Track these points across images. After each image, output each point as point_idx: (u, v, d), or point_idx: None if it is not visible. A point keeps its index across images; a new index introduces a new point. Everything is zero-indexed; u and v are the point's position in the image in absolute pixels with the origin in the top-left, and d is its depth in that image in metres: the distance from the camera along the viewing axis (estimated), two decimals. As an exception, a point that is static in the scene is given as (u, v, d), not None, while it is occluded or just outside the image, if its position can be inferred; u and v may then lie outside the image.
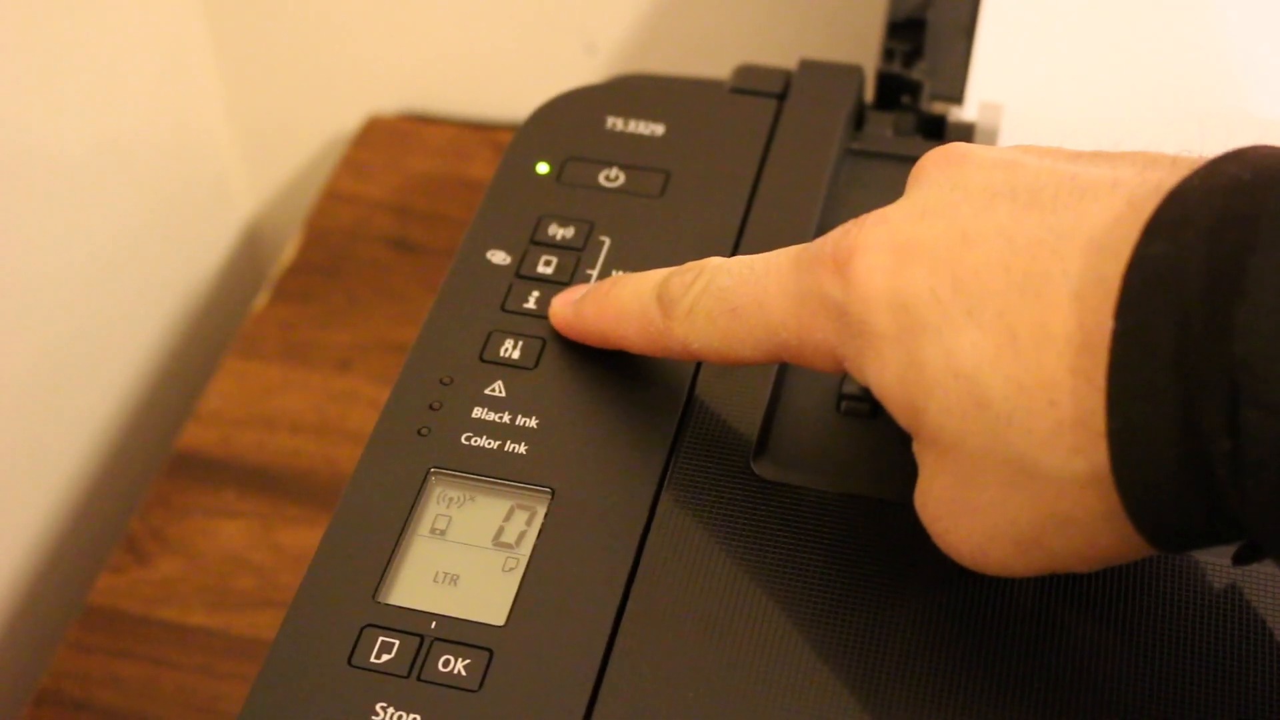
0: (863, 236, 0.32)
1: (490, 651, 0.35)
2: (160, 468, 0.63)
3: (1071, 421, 0.29)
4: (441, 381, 0.40)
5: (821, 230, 0.40)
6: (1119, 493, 0.29)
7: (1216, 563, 0.35)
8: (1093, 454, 0.29)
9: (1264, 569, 0.35)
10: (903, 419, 0.32)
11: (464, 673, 0.34)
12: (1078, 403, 0.29)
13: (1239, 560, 0.31)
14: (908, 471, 0.38)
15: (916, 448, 0.33)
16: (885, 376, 0.32)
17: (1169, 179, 0.29)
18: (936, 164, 0.33)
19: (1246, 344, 0.26)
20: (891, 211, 0.33)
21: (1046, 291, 0.29)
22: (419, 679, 0.34)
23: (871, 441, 0.39)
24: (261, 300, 0.69)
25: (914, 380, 0.31)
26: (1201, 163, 0.29)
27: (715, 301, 0.35)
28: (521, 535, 0.37)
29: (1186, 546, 0.30)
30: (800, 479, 0.37)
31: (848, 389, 0.40)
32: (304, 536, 0.60)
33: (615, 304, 0.39)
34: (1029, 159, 0.32)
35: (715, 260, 0.37)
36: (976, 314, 0.30)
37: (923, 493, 0.33)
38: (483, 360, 0.41)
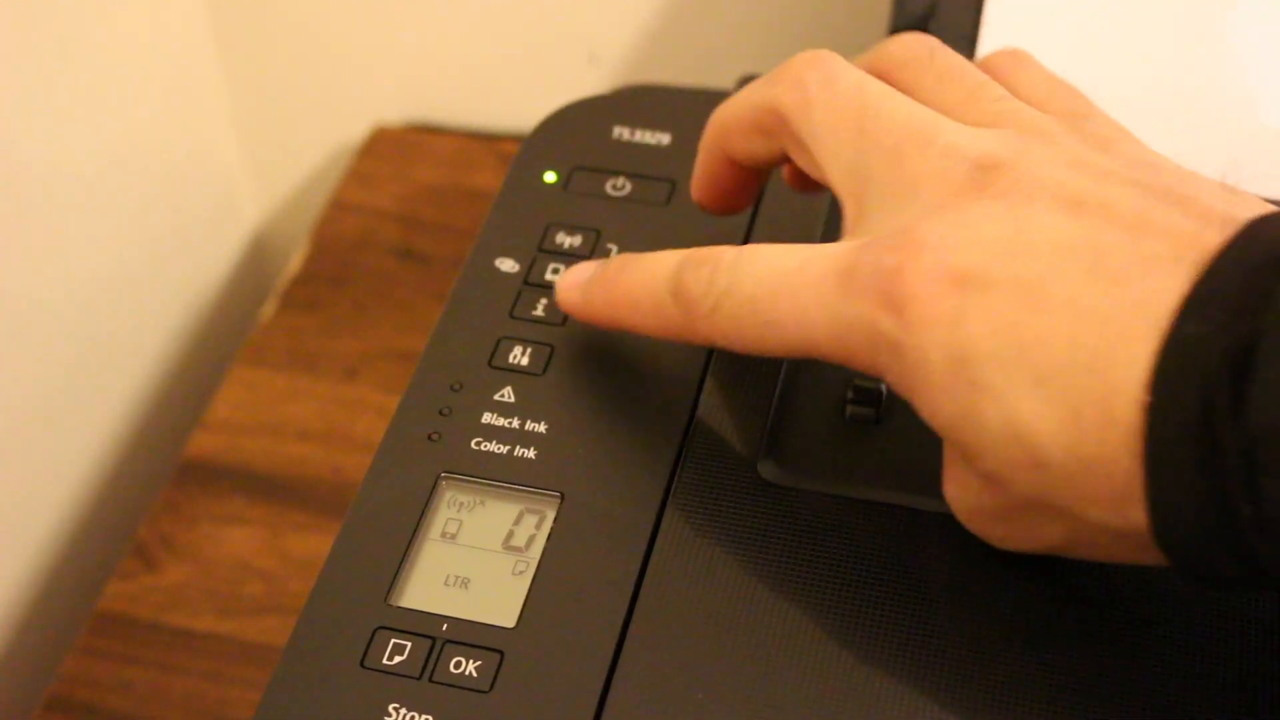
0: (914, 269, 0.31)
1: (501, 653, 0.35)
2: (169, 475, 0.64)
3: (1123, 493, 0.30)
4: (451, 387, 0.40)
5: (825, 240, 0.40)
6: (1162, 551, 0.30)
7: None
8: (1136, 514, 0.30)
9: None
10: (954, 446, 0.33)
11: (475, 674, 0.35)
12: (1131, 477, 0.29)
13: None
14: (915, 475, 0.38)
15: (958, 464, 0.33)
16: (937, 418, 0.32)
17: (1220, 247, 0.30)
18: (999, 178, 0.32)
19: (1259, 418, 0.27)
20: (943, 234, 0.32)
21: (1113, 376, 0.29)
22: (431, 680, 0.35)
23: (878, 445, 0.39)
24: (269, 309, 0.70)
25: (970, 430, 0.31)
26: (1245, 221, 0.30)
27: (746, 312, 0.34)
28: (531, 539, 0.37)
29: (1237, 590, 0.31)
30: (807, 483, 0.38)
31: (855, 385, 0.40)
32: (311, 543, 0.60)
33: (625, 293, 0.38)
34: (1092, 196, 0.32)
35: (730, 255, 0.35)
36: (1041, 385, 0.30)
37: (959, 500, 0.34)
38: (492, 366, 0.41)
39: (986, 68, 0.39)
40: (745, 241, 0.44)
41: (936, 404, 0.32)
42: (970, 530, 0.34)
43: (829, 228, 0.44)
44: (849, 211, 0.35)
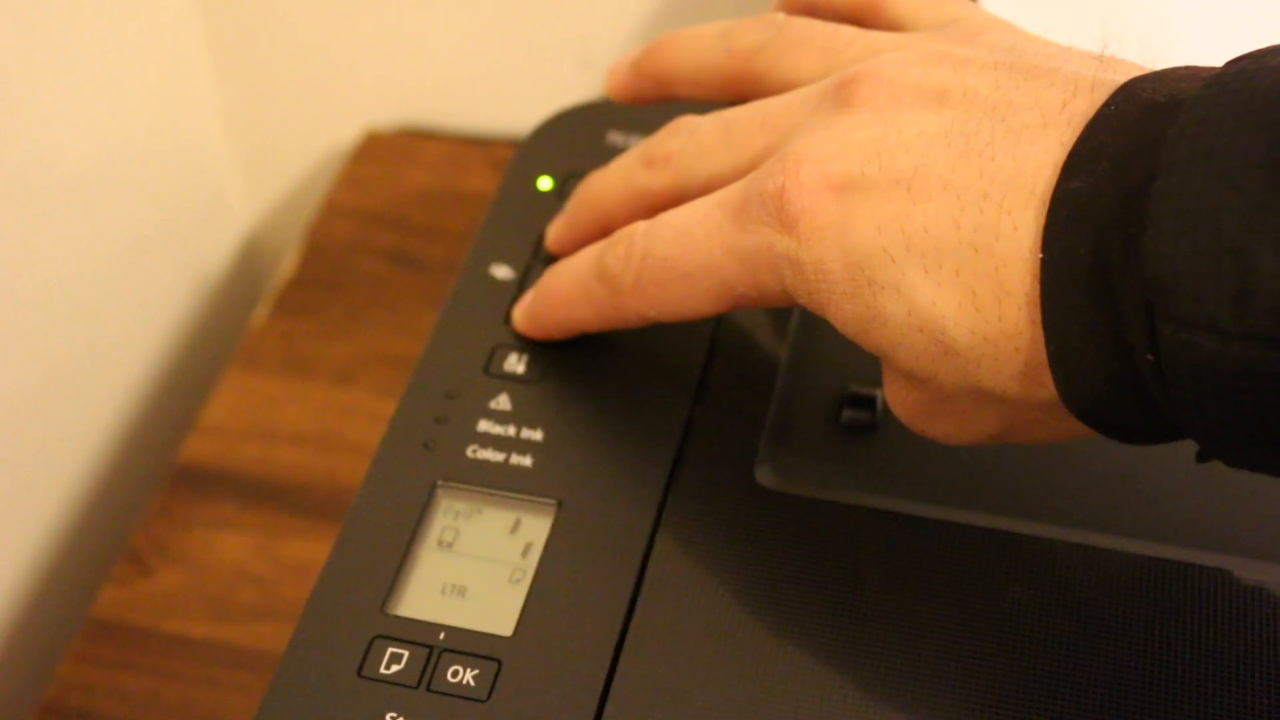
0: (795, 185, 0.32)
1: (499, 662, 0.35)
2: (162, 480, 0.64)
3: (1036, 362, 0.30)
4: (447, 395, 0.40)
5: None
6: (1068, 408, 0.30)
7: (1228, 573, 0.36)
8: (1050, 381, 0.30)
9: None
10: (870, 351, 0.33)
11: (473, 683, 0.35)
12: (1036, 345, 0.30)
13: (1200, 459, 0.32)
14: (911, 481, 0.38)
15: (887, 369, 0.34)
16: (848, 326, 0.33)
17: (1091, 110, 0.30)
18: (859, 90, 0.34)
19: (1155, 266, 0.28)
20: (818, 148, 0.33)
21: (999, 248, 0.30)
22: (428, 689, 0.35)
23: (874, 451, 0.39)
24: (262, 313, 0.70)
25: (878, 331, 0.32)
26: (1120, 83, 0.31)
27: (662, 271, 0.36)
28: (528, 547, 0.37)
29: (1149, 442, 0.31)
30: (804, 489, 0.38)
31: (851, 391, 0.40)
32: (305, 548, 0.60)
33: (559, 293, 0.40)
34: (955, 86, 0.33)
35: (641, 226, 0.37)
36: (933, 272, 0.31)
37: (897, 402, 0.34)
38: (487, 373, 0.41)
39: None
40: None
41: (844, 312, 0.32)
42: (918, 433, 0.35)
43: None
44: None
